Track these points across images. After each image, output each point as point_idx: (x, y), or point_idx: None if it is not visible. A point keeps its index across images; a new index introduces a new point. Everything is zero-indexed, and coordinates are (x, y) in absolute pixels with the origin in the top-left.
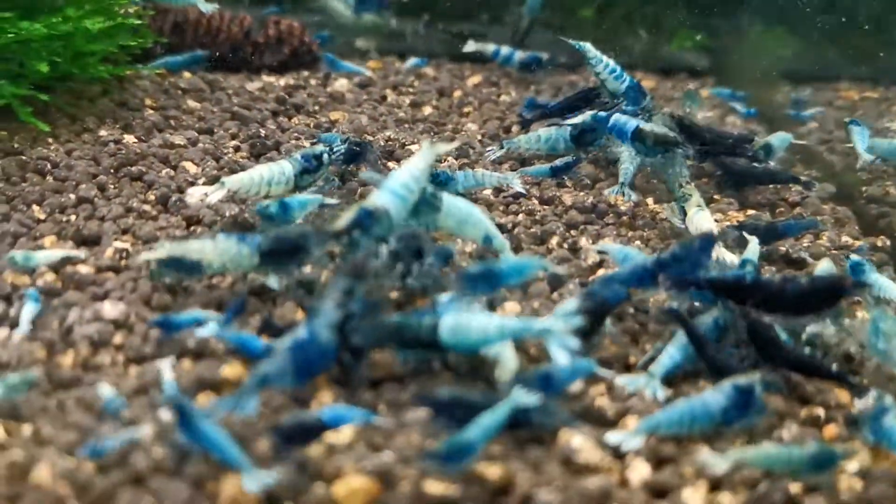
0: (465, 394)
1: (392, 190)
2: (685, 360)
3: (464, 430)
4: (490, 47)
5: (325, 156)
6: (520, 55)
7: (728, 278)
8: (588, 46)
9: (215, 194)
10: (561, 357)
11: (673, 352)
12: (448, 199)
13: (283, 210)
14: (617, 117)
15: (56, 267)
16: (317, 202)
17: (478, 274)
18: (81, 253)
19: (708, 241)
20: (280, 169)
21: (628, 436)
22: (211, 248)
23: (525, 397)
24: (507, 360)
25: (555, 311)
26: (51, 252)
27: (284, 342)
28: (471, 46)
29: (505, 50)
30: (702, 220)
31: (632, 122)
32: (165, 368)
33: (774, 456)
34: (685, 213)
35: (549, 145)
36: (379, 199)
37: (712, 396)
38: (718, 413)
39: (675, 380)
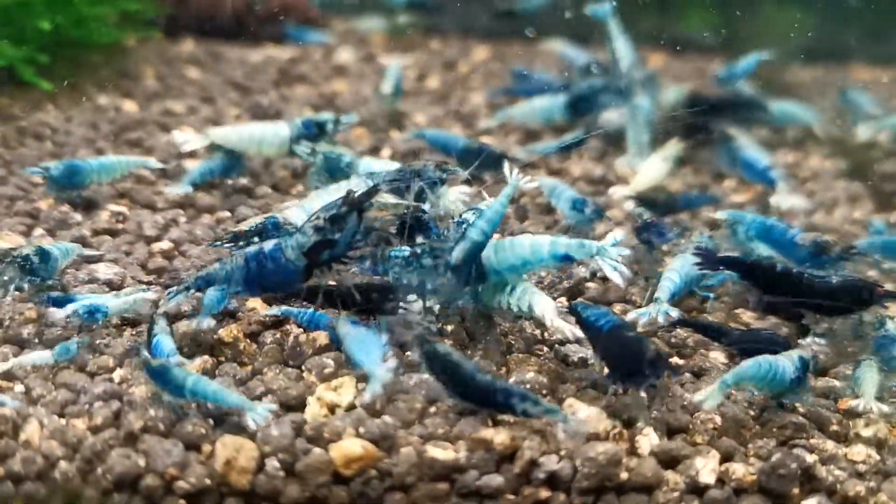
0: None
1: None
2: (684, 284)
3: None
4: (566, 50)
5: (329, 125)
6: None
7: (758, 263)
8: (611, 19)
9: (194, 142)
10: (615, 276)
11: (671, 275)
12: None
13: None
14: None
15: None
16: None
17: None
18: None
19: None
20: (274, 130)
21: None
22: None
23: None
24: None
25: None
26: None
27: (246, 250)
28: (555, 46)
29: (573, 53)
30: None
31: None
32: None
33: None
34: None
35: (544, 116)
36: None
37: (785, 363)
38: (789, 380)
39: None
